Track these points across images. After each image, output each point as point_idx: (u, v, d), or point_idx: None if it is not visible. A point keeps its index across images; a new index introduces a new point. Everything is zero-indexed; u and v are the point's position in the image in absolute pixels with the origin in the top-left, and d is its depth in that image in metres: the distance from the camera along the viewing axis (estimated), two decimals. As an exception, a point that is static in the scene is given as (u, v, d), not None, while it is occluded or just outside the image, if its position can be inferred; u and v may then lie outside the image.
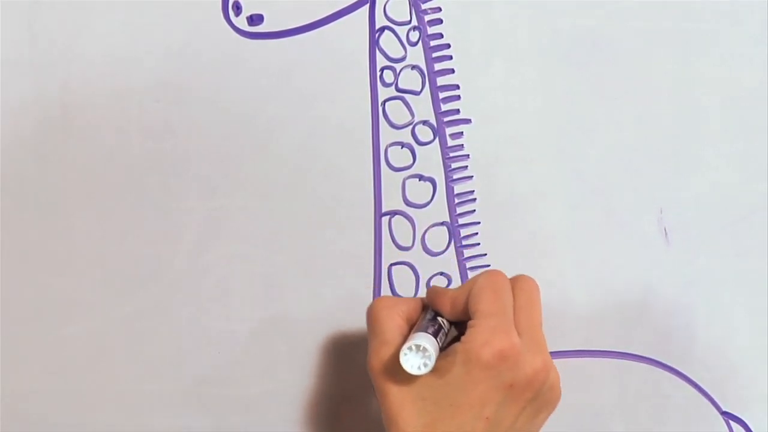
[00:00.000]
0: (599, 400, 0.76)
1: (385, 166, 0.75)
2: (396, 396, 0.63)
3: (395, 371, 0.63)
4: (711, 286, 0.75)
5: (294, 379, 0.75)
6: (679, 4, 0.74)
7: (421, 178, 0.75)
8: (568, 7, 0.74)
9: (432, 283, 0.75)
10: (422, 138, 0.75)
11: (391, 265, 0.75)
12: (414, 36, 0.74)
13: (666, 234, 0.75)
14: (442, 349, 0.63)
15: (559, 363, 0.75)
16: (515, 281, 0.67)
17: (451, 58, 0.74)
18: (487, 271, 0.67)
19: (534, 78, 0.74)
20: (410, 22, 0.74)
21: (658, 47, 0.74)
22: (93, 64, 0.73)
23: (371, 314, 0.67)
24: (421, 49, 0.74)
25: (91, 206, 0.74)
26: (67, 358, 0.75)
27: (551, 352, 0.75)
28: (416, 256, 0.75)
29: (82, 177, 0.74)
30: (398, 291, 0.75)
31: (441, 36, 0.74)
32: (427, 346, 0.61)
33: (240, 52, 0.73)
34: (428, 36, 0.74)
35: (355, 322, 0.75)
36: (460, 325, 0.66)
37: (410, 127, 0.75)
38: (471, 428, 0.62)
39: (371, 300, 0.75)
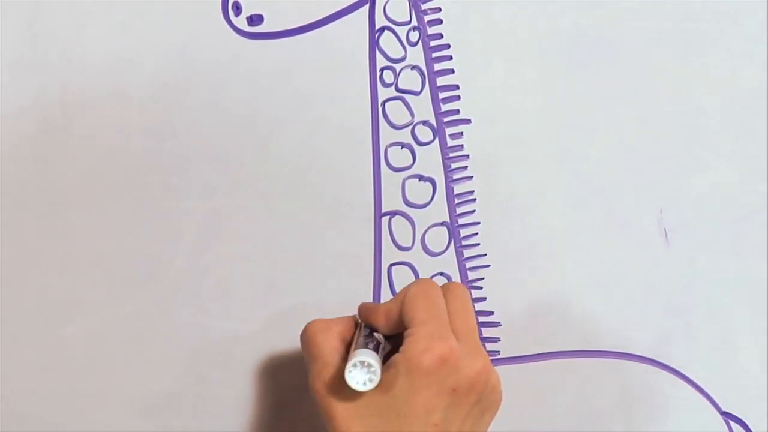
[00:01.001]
0: (599, 400, 0.76)
1: (385, 167, 0.75)
2: (342, 415, 0.62)
3: (339, 390, 0.62)
4: (711, 286, 0.75)
5: (294, 379, 0.75)
6: (679, 4, 0.74)
7: (421, 178, 0.75)
8: (568, 7, 0.74)
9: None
10: (422, 138, 0.75)
11: (391, 265, 0.75)
12: (414, 36, 0.74)
13: (666, 234, 0.75)
14: (382, 363, 0.63)
15: (559, 363, 0.75)
16: (446, 289, 0.67)
17: (451, 58, 0.74)
18: (417, 281, 0.67)
19: (534, 78, 0.74)
20: (410, 22, 0.74)
21: (658, 47, 0.74)
22: (93, 64, 0.73)
23: (306, 339, 0.66)
24: (421, 49, 0.74)
25: (91, 206, 0.74)
26: (67, 358, 0.75)
27: (553, 353, 0.75)
28: (416, 256, 0.75)
29: (82, 177, 0.74)
30: (398, 291, 0.75)
31: (441, 36, 0.74)
32: (371, 361, 0.61)
33: (240, 52, 0.73)
34: (428, 36, 0.74)
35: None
36: (396, 338, 0.65)
37: (410, 127, 0.75)
38: None
39: (371, 300, 0.75)
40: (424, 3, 0.74)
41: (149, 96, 0.74)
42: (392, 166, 0.75)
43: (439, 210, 0.75)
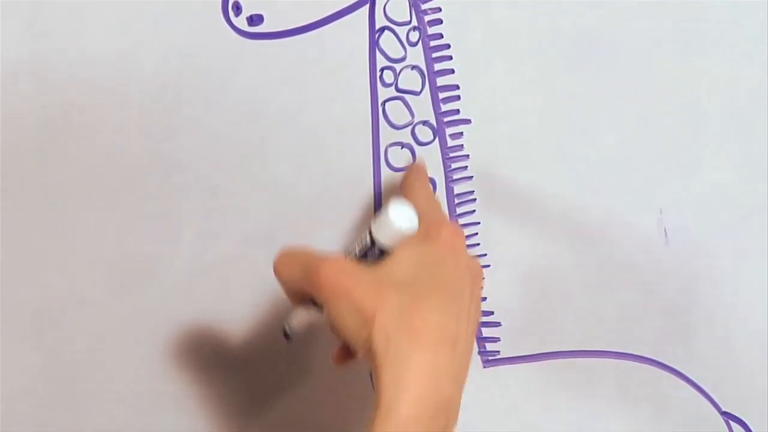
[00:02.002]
0: (599, 400, 0.76)
1: (385, 167, 0.75)
2: (366, 285, 0.59)
3: (355, 270, 0.60)
4: (711, 286, 0.75)
5: (294, 379, 0.76)
6: (679, 4, 0.74)
7: (421, 178, 0.75)
8: (568, 7, 0.74)
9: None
10: (422, 138, 0.75)
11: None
12: (414, 36, 0.74)
13: (666, 234, 0.75)
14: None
15: (559, 363, 0.75)
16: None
17: (451, 58, 0.74)
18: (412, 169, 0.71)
19: (534, 78, 0.74)
20: (410, 22, 0.74)
21: (658, 47, 0.74)
22: (93, 64, 0.73)
23: (280, 266, 0.63)
24: (421, 49, 0.74)
25: (91, 206, 0.74)
26: (67, 358, 0.75)
27: (553, 353, 0.75)
28: (416, 256, 0.75)
29: (82, 177, 0.74)
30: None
31: (441, 36, 0.74)
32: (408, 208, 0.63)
33: (240, 52, 0.73)
34: (428, 36, 0.74)
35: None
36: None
37: (410, 127, 0.75)
38: (457, 306, 0.61)
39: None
40: (424, 3, 0.74)
41: (149, 96, 0.74)
42: (392, 166, 0.75)
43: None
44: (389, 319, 0.58)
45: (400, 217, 0.62)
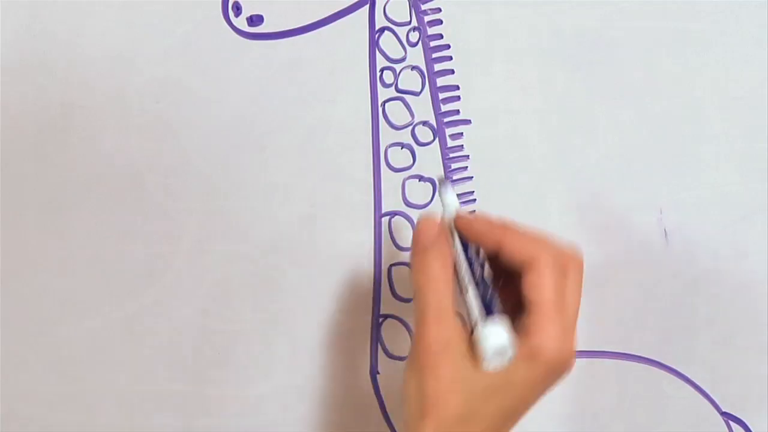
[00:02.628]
0: (599, 400, 0.76)
1: (385, 167, 0.75)
2: (445, 380, 0.59)
3: (454, 353, 0.59)
4: (711, 286, 0.75)
5: (294, 379, 0.76)
6: (679, 4, 0.74)
7: (421, 178, 0.75)
8: (568, 7, 0.74)
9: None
10: (422, 138, 0.75)
11: (391, 265, 0.75)
12: (414, 36, 0.74)
13: (666, 234, 0.75)
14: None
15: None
16: (569, 260, 0.62)
17: (450, 58, 0.74)
18: (543, 251, 0.61)
19: (534, 78, 0.74)
20: (410, 22, 0.74)
21: (658, 47, 0.74)
22: (93, 64, 0.73)
23: (425, 268, 0.61)
24: (421, 49, 0.74)
25: (91, 206, 0.74)
26: (67, 358, 0.75)
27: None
28: (416, 256, 0.75)
29: (82, 177, 0.74)
30: (398, 291, 0.75)
31: (441, 37, 0.74)
32: (506, 344, 0.58)
33: (240, 52, 0.73)
34: (428, 36, 0.74)
35: (356, 322, 0.75)
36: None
37: (410, 127, 0.75)
38: (504, 420, 0.61)
39: (371, 301, 0.75)
40: (424, 3, 0.74)
41: (149, 96, 0.74)
42: (392, 167, 0.75)
43: (439, 210, 0.75)
44: None
45: (495, 364, 0.59)
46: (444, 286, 0.61)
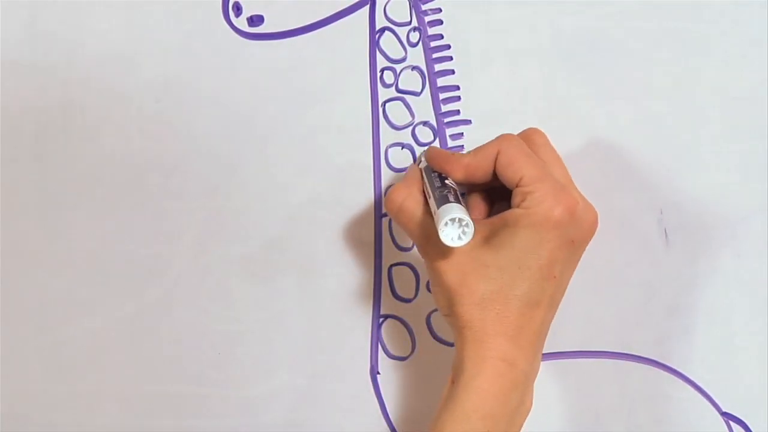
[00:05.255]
0: (599, 400, 0.76)
1: (385, 167, 0.74)
2: (455, 268, 0.64)
3: (447, 247, 0.63)
4: (711, 287, 0.75)
5: (294, 379, 0.75)
6: (679, 4, 0.74)
7: (421, 178, 0.75)
8: (569, 7, 0.74)
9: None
10: (422, 139, 0.75)
11: (392, 265, 0.75)
12: (414, 37, 0.74)
13: (666, 234, 0.75)
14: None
15: (559, 364, 0.75)
16: (526, 137, 0.69)
17: (451, 59, 0.74)
18: (504, 139, 0.67)
19: (534, 78, 0.74)
20: (410, 22, 0.74)
21: (659, 47, 0.74)
22: (93, 64, 0.73)
23: (396, 208, 0.67)
24: (422, 49, 0.74)
25: (91, 206, 0.74)
26: (67, 358, 0.75)
27: (553, 353, 0.75)
28: (416, 256, 0.75)
29: (82, 177, 0.74)
30: (398, 291, 0.75)
31: (441, 37, 0.74)
32: (462, 215, 0.62)
33: (240, 53, 0.73)
34: (428, 37, 0.74)
35: (356, 322, 0.75)
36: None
37: (410, 127, 0.75)
38: (541, 289, 0.64)
39: (371, 301, 0.75)
40: (424, 3, 0.74)
41: (149, 96, 0.74)
42: (392, 167, 0.75)
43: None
44: (472, 306, 0.64)
45: (452, 235, 0.62)
46: (422, 211, 0.67)
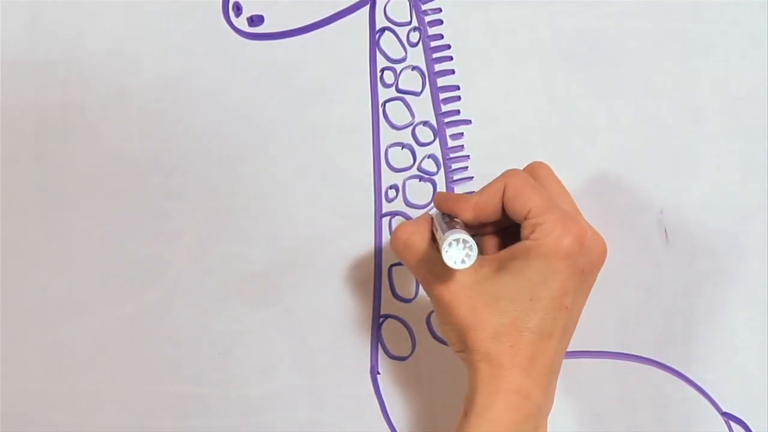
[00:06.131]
0: (599, 400, 0.76)
1: (385, 167, 0.74)
2: (465, 303, 0.64)
3: (455, 280, 0.64)
4: (711, 287, 0.75)
5: (294, 379, 0.75)
6: (679, 4, 0.74)
7: (421, 178, 0.75)
8: (569, 7, 0.74)
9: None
10: (422, 139, 0.75)
11: (392, 265, 0.75)
12: (414, 37, 0.74)
13: (666, 234, 0.75)
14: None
15: (559, 363, 0.75)
16: (531, 171, 0.69)
17: (451, 58, 0.74)
18: (510, 174, 0.67)
19: (534, 78, 0.74)
20: (410, 22, 0.74)
21: (659, 47, 0.74)
22: (93, 64, 0.73)
23: (402, 245, 0.67)
24: (422, 49, 0.74)
25: (91, 206, 0.74)
26: (67, 359, 0.75)
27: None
28: (416, 256, 0.75)
29: (82, 177, 0.74)
30: (398, 291, 0.75)
31: (441, 37, 0.74)
32: (465, 237, 0.61)
33: (240, 53, 0.73)
34: (428, 37, 0.74)
35: (356, 322, 0.75)
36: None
37: (410, 127, 0.75)
38: (553, 320, 0.64)
39: (371, 301, 0.75)
40: (424, 3, 0.74)
41: (149, 96, 0.74)
42: (392, 167, 0.75)
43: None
44: (485, 338, 0.63)
45: (455, 258, 0.62)
46: (427, 246, 0.66)
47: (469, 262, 0.61)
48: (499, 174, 0.67)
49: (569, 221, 0.64)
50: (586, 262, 0.65)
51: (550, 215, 0.64)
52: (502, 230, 0.69)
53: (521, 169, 0.69)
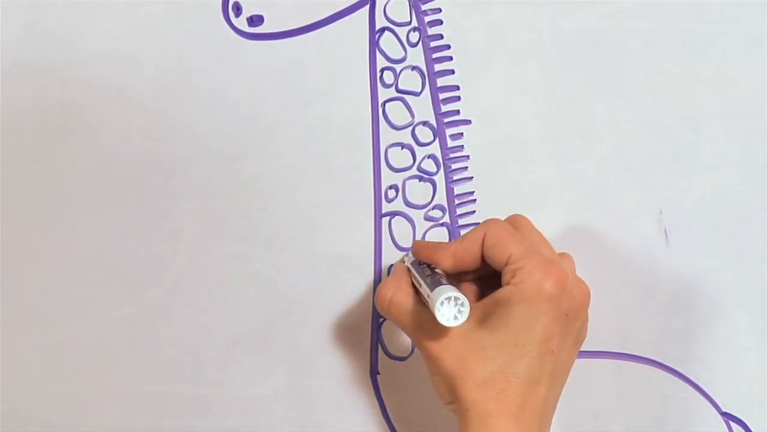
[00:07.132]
0: (599, 400, 0.76)
1: (385, 167, 0.75)
2: (453, 353, 0.64)
3: (442, 332, 0.64)
4: (711, 287, 0.75)
5: (294, 379, 0.76)
6: (679, 4, 0.74)
7: (421, 178, 0.75)
8: (568, 7, 0.74)
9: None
10: (422, 139, 0.75)
11: (392, 265, 0.75)
12: (414, 37, 0.74)
13: (666, 234, 0.75)
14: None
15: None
16: (513, 222, 0.70)
17: (451, 59, 0.74)
18: (489, 223, 0.68)
19: (534, 78, 0.74)
20: (410, 23, 0.74)
21: (659, 47, 0.74)
22: (93, 64, 0.73)
23: (387, 304, 0.68)
24: (421, 49, 0.74)
25: (91, 206, 0.74)
26: (67, 359, 0.75)
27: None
28: (416, 255, 0.75)
29: (82, 177, 0.74)
30: (398, 291, 0.75)
31: (441, 37, 0.74)
32: (457, 294, 0.61)
33: (240, 53, 0.73)
34: (428, 37, 0.74)
35: (356, 322, 0.75)
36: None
37: (410, 127, 0.75)
38: (540, 365, 0.64)
39: (371, 302, 0.75)
40: (424, 3, 0.74)
41: (149, 96, 0.74)
42: (392, 167, 0.75)
43: (439, 210, 0.75)
44: (473, 387, 0.63)
45: (448, 315, 0.62)
46: (412, 302, 0.67)
47: (462, 319, 0.61)
48: (482, 222, 0.69)
49: (549, 265, 0.64)
50: (569, 306, 0.65)
51: (530, 259, 0.64)
52: (480, 278, 0.70)
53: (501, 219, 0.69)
